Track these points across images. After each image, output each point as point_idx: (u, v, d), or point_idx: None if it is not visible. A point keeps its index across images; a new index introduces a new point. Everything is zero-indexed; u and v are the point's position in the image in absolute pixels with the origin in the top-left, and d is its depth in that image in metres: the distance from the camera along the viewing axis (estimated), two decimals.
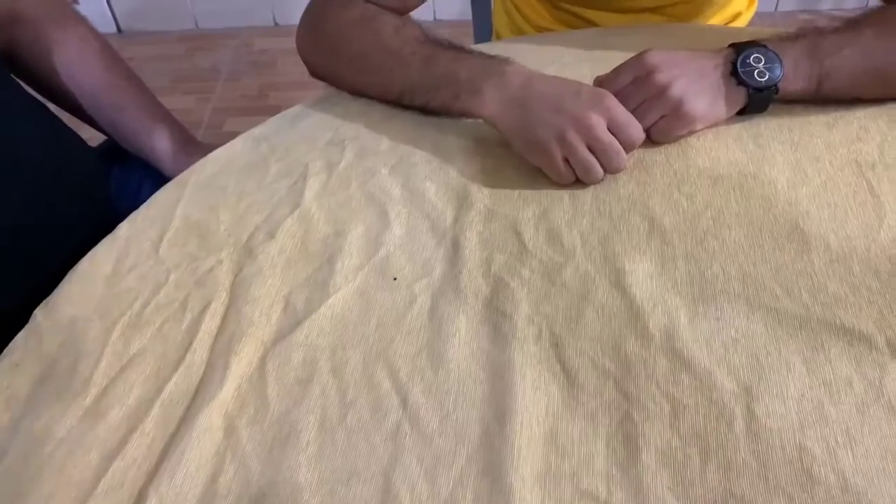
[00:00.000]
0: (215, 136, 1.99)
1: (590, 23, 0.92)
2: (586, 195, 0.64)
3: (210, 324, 0.58)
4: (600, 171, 0.62)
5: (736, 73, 0.64)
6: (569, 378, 0.52)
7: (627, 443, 0.48)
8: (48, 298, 0.62)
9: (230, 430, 0.52)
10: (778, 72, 0.63)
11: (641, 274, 0.58)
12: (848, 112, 0.69)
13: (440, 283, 0.59)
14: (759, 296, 0.55)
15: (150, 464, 0.50)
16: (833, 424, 0.48)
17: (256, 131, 0.77)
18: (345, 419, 0.51)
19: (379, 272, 0.61)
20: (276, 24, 2.39)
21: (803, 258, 0.58)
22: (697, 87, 0.64)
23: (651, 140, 0.66)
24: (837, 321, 0.53)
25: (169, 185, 0.72)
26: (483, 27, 1.18)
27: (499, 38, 1.09)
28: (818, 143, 0.67)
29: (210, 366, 0.55)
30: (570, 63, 0.78)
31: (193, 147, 0.87)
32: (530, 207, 0.64)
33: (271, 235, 0.64)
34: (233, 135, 0.76)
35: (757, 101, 0.66)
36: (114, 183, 0.89)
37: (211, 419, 0.52)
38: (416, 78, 0.69)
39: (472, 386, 0.52)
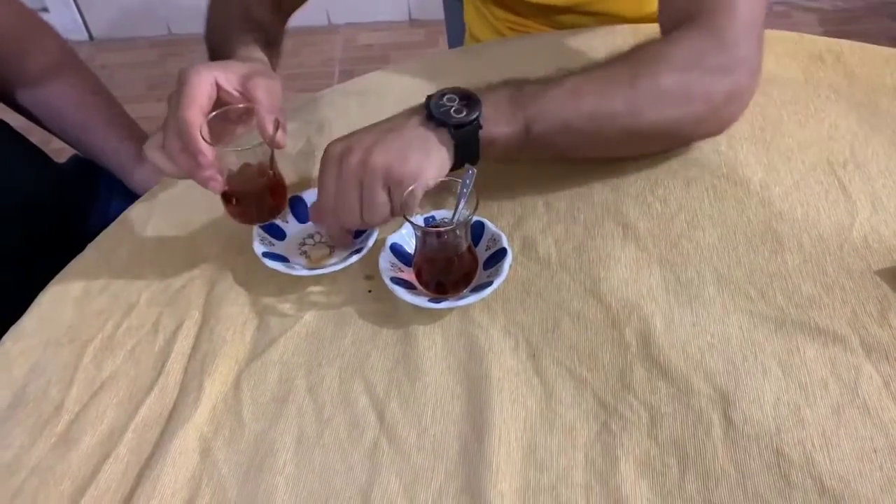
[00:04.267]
0: None
1: (564, 12, 0.92)
2: (561, 203, 0.64)
3: (183, 344, 0.57)
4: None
5: (431, 116, 0.58)
6: (546, 389, 0.52)
7: (606, 453, 0.48)
8: (17, 323, 0.61)
9: (206, 452, 0.51)
10: (476, 110, 0.58)
11: (616, 280, 0.58)
12: (819, 111, 0.70)
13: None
14: (734, 299, 0.55)
15: (125, 491, 0.49)
16: (809, 427, 0.48)
17: None
18: (322, 438, 0.51)
19: (355, 285, 0.60)
20: None
21: (777, 259, 0.58)
22: (398, 145, 0.57)
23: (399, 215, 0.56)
24: (812, 323, 0.53)
25: (138, 201, 0.71)
26: (456, 26, 1.17)
27: (472, 36, 1.08)
28: (790, 142, 0.67)
29: (184, 387, 0.55)
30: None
31: None
32: (505, 216, 0.64)
33: (244, 251, 0.63)
34: None
35: (463, 141, 0.58)
36: (83, 198, 0.87)
37: (186, 442, 0.51)
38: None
39: (449, 400, 0.52)
